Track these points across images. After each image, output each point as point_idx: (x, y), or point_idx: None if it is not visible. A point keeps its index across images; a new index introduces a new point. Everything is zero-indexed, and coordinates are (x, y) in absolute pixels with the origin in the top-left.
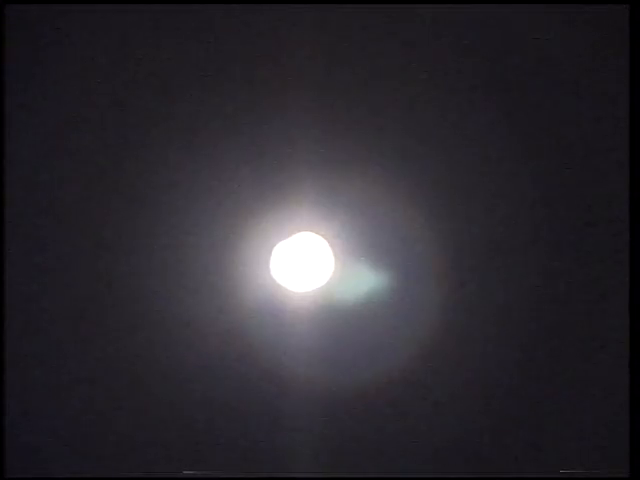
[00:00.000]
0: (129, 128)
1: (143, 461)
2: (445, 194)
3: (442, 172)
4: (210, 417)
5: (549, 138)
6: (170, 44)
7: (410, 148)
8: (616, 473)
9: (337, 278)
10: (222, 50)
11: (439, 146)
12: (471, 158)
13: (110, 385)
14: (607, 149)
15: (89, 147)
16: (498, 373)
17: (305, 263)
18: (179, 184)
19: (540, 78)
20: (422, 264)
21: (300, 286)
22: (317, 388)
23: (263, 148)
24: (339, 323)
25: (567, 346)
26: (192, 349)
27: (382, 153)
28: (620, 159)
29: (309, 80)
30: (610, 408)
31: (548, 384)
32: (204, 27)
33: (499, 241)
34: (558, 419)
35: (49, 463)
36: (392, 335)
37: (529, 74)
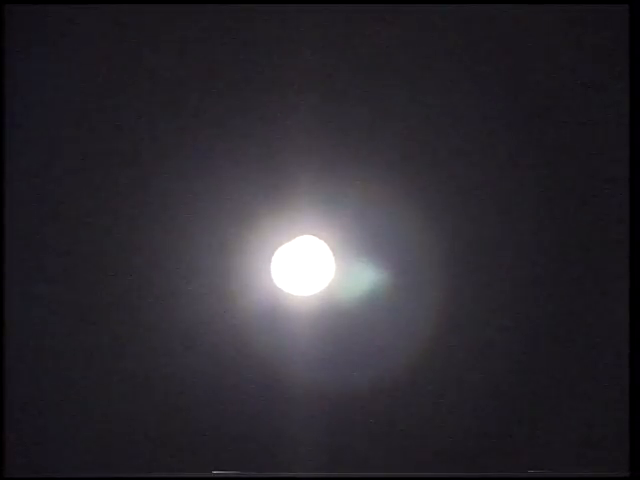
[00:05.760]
0: (130, 132)
1: (143, 461)
2: (445, 198)
3: (442, 175)
4: (211, 419)
5: (549, 138)
6: (172, 46)
7: (411, 151)
8: (616, 473)
9: (338, 281)
10: (223, 54)
11: (439, 149)
12: (471, 160)
13: (111, 387)
14: (607, 148)
15: (90, 150)
16: (498, 374)
17: (306, 267)
18: (180, 189)
19: (540, 78)
20: (423, 268)
21: (301, 290)
22: (318, 390)
23: (264, 152)
24: (340, 326)
25: (567, 346)
26: (194, 353)
27: (383, 157)
28: (621, 158)
29: (310, 84)
30: (610, 408)
31: (548, 384)
32: (206, 29)
33: (500, 243)
34: (558, 419)
35: (49, 463)
36: (393, 338)
37: (529, 74)
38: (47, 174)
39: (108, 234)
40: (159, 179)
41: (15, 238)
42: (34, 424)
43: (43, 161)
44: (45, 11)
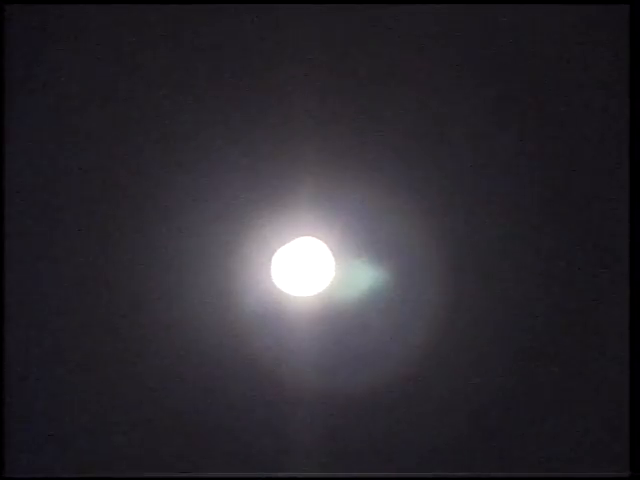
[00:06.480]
0: (129, 133)
1: (143, 461)
2: (446, 198)
3: (443, 176)
4: (210, 420)
5: (549, 138)
6: (173, 47)
7: (410, 152)
8: (616, 473)
9: (338, 282)
10: (223, 54)
11: (439, 150)
12: (472, 161)
13: (111, 387)
14: (607, 148)
15: (89, 150)
16: (498, 374)
17: (306, 268)
18: (179, 190)
19: (540, 78)
20: (423, 268)
21: (301, 291)
22: (318, 392)
23: (263, 153)
24: (340, 327)
25: (567, 346)
26: (194, 354)
27: (382, 157)
28: (620, 158)
29: (309, 85)
30: (610, 408)
31: (548, 384)
32: (206, 29)
33: (500, 245)
34: (558, 419)
35: (49, 463)
36: (393, 339)
37: (529, 74)
38: (46, 175)
39: (107, 234)
40: (159, 180)
41: (15, 238)
42: (34, 424)
43: (43, 162)
44: (45, 11)
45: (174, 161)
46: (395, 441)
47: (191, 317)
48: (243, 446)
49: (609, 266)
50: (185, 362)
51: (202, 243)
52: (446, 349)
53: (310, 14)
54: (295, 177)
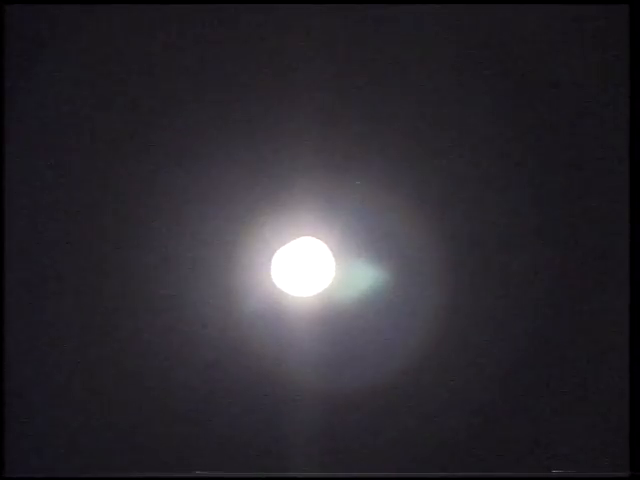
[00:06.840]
0: (129, 135)
1: (143, 461)
2: (446, 198)
3: (442, 176)
4: (210, 420)
5: (548, 138)
6: (173, 48)
7: (410, 152)
8: (616, 473)
9: (338, 282)
10: (223, 55)
11: (439, 150)
12: (471, 162)
13: (111, 387)
14: (607, 148)
15: (89, 152)
16: (499, 374)
17: (306, 268)
18: (179, 190)
19: (539, 78)
20: (423, 268)
21: (301, 291)
22: (318, 392)
23: (263, 153)
24: (340, 327)
25: (567, 346)
26: (194, 354)
27: (382, 158)
28: (620, 158)
29: (309, 86)
30: (610, 408)
31: (548, 384)
32: (206, 29)
33: (501, 244)
34: (558, 419)
35: (49, 463)
36: (393, 339)
37: (528, 74)
38: (46, 175)
39: (108, 235)
40: (159, 181)
41: (15, 238)
42: (34, 424)
43: (42, 162)
44: (45, 11)
45: (174, 161)
46: (395, 441)
47: (191, 317)
48: (243, 446)
49: (609, 266)
50: (185, 362)
51: (202, 243)
52: (446, 349)
53: (310, 14)
54: (295, 177)
